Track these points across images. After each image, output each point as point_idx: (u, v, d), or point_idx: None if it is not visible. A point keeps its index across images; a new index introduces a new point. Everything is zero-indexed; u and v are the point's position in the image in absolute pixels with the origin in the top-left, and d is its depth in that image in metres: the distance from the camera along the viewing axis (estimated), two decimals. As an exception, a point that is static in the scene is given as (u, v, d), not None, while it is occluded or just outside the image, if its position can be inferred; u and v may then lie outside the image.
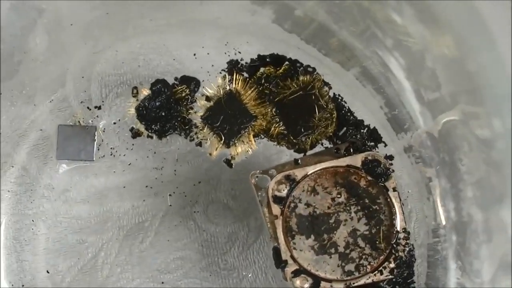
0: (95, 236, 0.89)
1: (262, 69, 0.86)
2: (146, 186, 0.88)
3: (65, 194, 0.89)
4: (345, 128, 0.85)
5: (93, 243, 0.89)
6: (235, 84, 0.83)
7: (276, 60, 0.86)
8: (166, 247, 0.89)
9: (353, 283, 0.79)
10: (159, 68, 0.89)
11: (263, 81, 0.85)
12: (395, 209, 0.80)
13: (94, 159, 0.88)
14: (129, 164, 0.88)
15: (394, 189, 0.80)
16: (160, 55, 0.89)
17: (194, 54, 0.88)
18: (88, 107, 0.88)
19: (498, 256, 0.81)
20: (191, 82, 0.86)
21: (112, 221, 0.89)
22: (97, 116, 0.88)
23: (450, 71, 0.83)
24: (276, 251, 0.80)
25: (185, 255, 0.89)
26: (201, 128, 0.84)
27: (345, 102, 0.86)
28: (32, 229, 0.88)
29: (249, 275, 0.88)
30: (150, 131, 0.86)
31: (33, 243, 0.88)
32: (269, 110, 0.84)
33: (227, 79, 0.84)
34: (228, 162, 0.86)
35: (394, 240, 0.79)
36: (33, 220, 0.88)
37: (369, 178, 0.80)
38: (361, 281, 0.79)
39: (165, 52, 0.89)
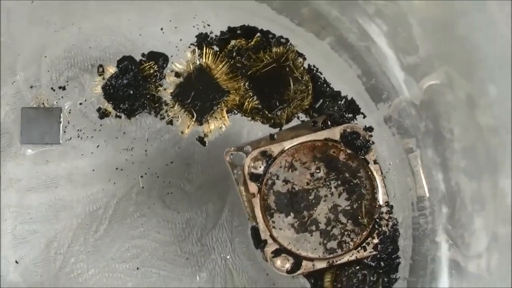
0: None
1: (233, 42, 0.82)
2: (116, 168, 0.85)
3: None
4: (321, 100, 0.82)
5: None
6: (205, 58, 0.80)
7: (247, 32, 0.83)
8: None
9: (336, 261, 0.77)
10: (125, 46, 0.85)
11: (234, 54, 0.81)
12: (376, 182, 0.77)
13: (60, 142, 0.84)
14: (97, 146, 0.85)
15: (375, 162, 0.78)
16: (126, 32, 0.86)
17: (161, 29, 0.85)
18: (52, 88, 0.85)
19: (491, 227, 0.79)
20: (159, 58, 0.82)
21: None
22: (61, 97, 0.85)
23: (436, 35, 0.81)
24: (255, 231, 0.78)
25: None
26: (171, 105, 0.80)
27: (321, 73, 0.83)
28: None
29: (227, 257, 0.86)
30: (118, 110, 0.82)
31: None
32: (241, 84, 0.81)
33: (196, 54, 0.80)
34: (201, 140, 0.82)
35: (377, 215, 0.77)
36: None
37: (349, 151, 0.78)
38: (344, 259, 0.77)
39: (131, 28, 0.86)
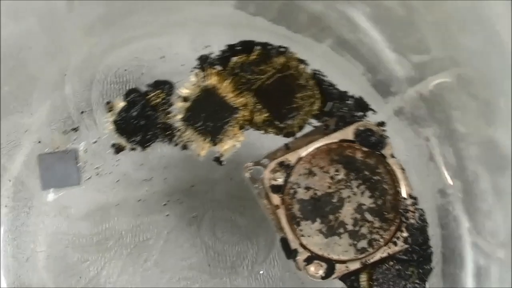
0: (97, 254, 0.86)
1: (234, 59, 0.82)
2: (139, 200, 0.86)
3: (66, 210, 0.86)
4: (330, 103, 0.82)
5: (95, 262, 0.86)
6: (210, 79, 0.80)
7: (247, 46, 0.82)
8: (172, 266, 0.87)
9: (369, 260, 0.76)
10: (129, 78, 0.86)
11: (237, 70, 0.81)
12: (396, 176, 0.77)
13: (79, 183, 0.85)
14: (117, 181, 0.86)
15: (392, 156, 0.77)
16: (128, 64, 0.86)
17: (163, 57, 0.86)
18: (63, 131, 0.86)
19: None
20: (164, 86, 0.83)
21: (114, 239, 0.86)
22: (75, 138, 0.86)
23: (443, 34, 0.81)
24: (284, 242, 0.78)
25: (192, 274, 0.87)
26: (183, 130, 0.81)
27: (325, 76, 0.82)
28: (31, 246, 0.86)
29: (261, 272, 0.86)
30: (132, 143, 0.83)
31: (32, 260, 0.86)
32: (249, 99, 0.81)
33: (200, 76, 0.81)
34: (218, 160, 0.82)
35: (402, 208, 0.77)
36: (32, 237, 0.86)
37: (365, 149, 0.77)
38: (377, 256, 0.77)
39: (133, 59, 0.87)
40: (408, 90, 0.84)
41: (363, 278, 0.78)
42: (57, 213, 0.86)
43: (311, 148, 0.78)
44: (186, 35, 0.86)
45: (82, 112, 0.86)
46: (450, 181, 0.84)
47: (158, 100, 0.82)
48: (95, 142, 0.85)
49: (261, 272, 0.86)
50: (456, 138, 0.83)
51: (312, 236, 0.77)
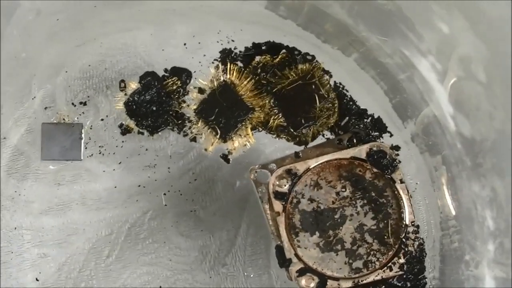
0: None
1: (257, 58, 0.81)
2: (139, 186, 0.84)
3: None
4: (347, 118, 0.81)
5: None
6: (230, 74, 0.79)
7: (273, 48, 0.82)
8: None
9: (362, 281, 0.76)
10: (146, 60, 0.84)
11: (259, 70, 0.80)
12: (403, 201, 0.76)
13: (82, 158, 0.83)
14: (119, 163, 0.84)
15: (402, 181, 0.77)
16: (148, 46, 0.85)
17: (185, 44, 0.84)
18: (73, 103, 0.84)
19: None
20: (182, 74, 0.81)
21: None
22: (83, 112, 0.84)
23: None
24: (280, 250, 0.77)
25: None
26: (195, 122, 0.80)
27: (347, 91, 0.82)
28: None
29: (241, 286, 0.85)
30: (140, 127, 0.81)
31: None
32: (266, 101, 0.80)
33: (220, 69, 0.80)
34: (225, 158, 0.82)
35: (403, 235, 0.76)
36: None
37: (375, 170, 0.77)
38: (370, 278, 0.76)
39: (153, 42, 0.85)
40: (425, 109, 0.84)
41: (353, 297, 0.78)
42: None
43: (321, 160, 0.77)
44: (213, 25, 0.85)
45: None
46: (454, 212, 0.84)
47: (174, 87, 0.81)
48: (102, 120, 0.84)
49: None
50: (466, 160, 0.83)
51: (308, 248, 0.76)
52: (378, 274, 0.76)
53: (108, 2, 0.84)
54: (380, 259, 0.76)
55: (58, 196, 0.84)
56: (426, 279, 0.79)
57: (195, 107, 0.79)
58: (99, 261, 0.84)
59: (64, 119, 0.83)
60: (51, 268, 0.84)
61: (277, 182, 0.77)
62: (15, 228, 0.84)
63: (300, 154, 0.78)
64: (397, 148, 0.79)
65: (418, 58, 0.83)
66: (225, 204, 0.85)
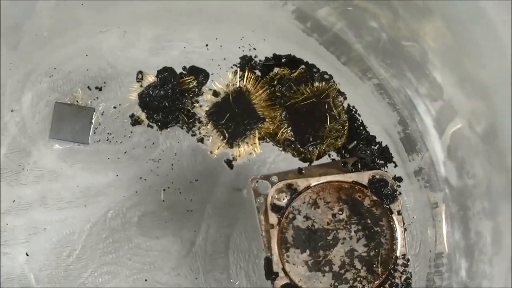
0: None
1: (276, 70, 0.81)
2: (140, 178, 0.85)
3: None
4: (355, 142, 0.81)
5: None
6: (246, 81, 0.79)
7: (292, 62, 0.82)
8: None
9: (344, 305, 0.77)
10: (166, 57, 0.85)
11: (275, 82, 0.80)
12: (397, 233, 0.77)
13: (89, 142, 0.84)
14: (124, 152, 0.85)
15: (399, 213, 0.77)
16: (171, 42, 0.85)
17: (207, 45, 0.85)
18: (88, 87, 0.85)
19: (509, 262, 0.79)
20: (199, 74, 0.82)
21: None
22: (97, 97, 0.84)
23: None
24: (268, 262, 0.77)
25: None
26: (205, 123, 0.80)
27: (359, 115, 0.82)
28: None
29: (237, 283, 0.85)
30: (151, 120, 0.81)
31: None
32: (278, 113, 0.80)
33: (238, 75, 0.80)
34: (229, 163, 0.82)
35: (392, 266, 0.77)
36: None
37: (374, 198, 0.77)
38: (353, 304, 0.77)
39: (175, 39, 0.86)
40: (430, 150, 0.84)
41: (333, 320, 0.78)
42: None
43: (323, 180, 0.77)
44: (237, 31, 0.85)
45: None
46: (447, 250, 0.84)
47: (189, 86, 0.81)
48: (114, 107, 0.84)
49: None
50: (464, 198, 0.83)
51: (297, 265, 0.76)
52: (362, 301, 0.77)
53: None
54: (365, 287, 0.76)
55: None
56: (409, 313, 0.79)
57: (207, 108, 0.79)
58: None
59: (77, 101, 0.84)
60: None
61: (276, 195, 0.77)
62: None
63: (303, 170, 0.79)
64: (399, 179, 0.79)
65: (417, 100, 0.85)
66: (215, 206, 0.85)
